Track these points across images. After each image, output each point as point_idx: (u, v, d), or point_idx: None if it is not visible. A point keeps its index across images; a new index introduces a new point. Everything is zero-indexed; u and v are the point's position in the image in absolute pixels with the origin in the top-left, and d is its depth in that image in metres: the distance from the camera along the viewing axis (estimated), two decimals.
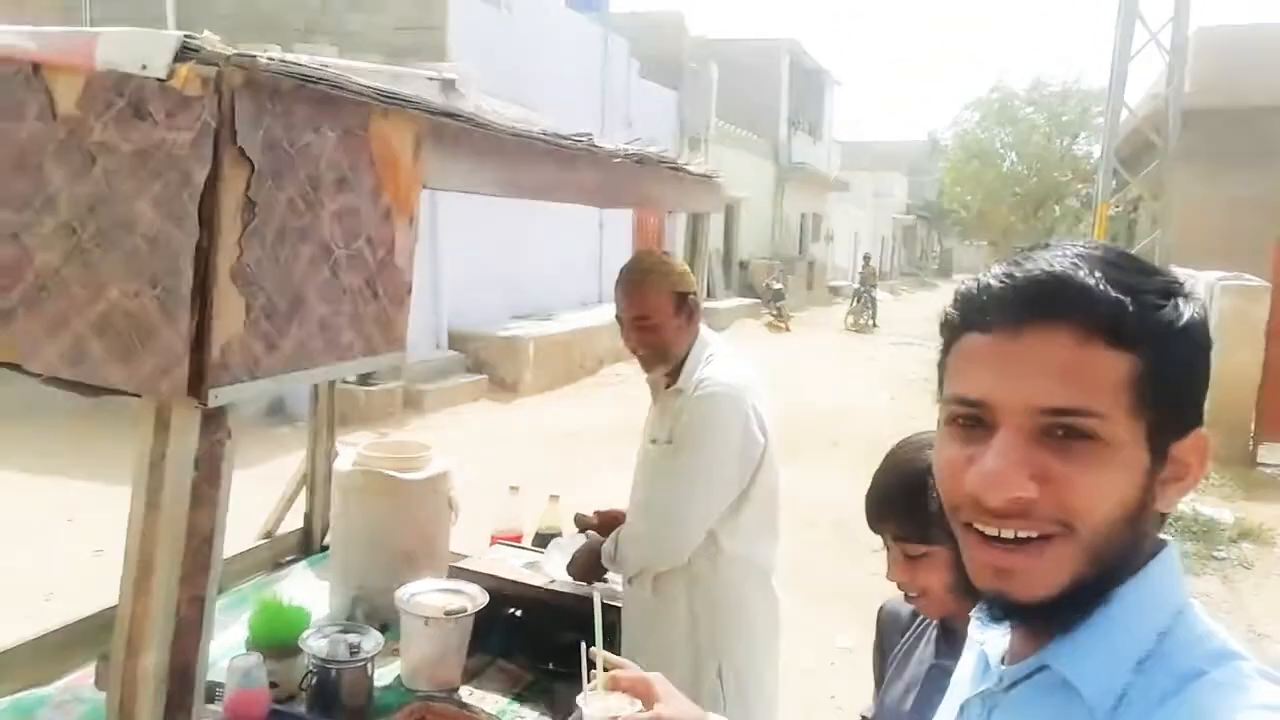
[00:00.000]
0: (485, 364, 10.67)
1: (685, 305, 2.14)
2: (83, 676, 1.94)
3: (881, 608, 1.60)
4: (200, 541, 0.85)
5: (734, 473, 2.10)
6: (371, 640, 2.00)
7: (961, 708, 0.84)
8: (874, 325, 20.67)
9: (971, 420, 0.71)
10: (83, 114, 0.81)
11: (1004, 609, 0.73)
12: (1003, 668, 0.79)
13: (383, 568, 2.31)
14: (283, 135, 0.85)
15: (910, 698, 1.40)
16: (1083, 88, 24.41)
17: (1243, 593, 5.33)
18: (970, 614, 0.91)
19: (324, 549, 2.70)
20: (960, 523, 0.73)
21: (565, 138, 1.41)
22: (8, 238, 0.83)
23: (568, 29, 14.08)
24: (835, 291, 27.80)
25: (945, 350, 0.76)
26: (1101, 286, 0.67)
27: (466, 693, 2.02)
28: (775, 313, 19.35)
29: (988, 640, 0.83)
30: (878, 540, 1.36)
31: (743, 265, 22.48)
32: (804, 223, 27.82)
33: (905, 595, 1.35)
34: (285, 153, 0.85)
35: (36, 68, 0.81)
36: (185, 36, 0.79)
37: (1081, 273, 0.67)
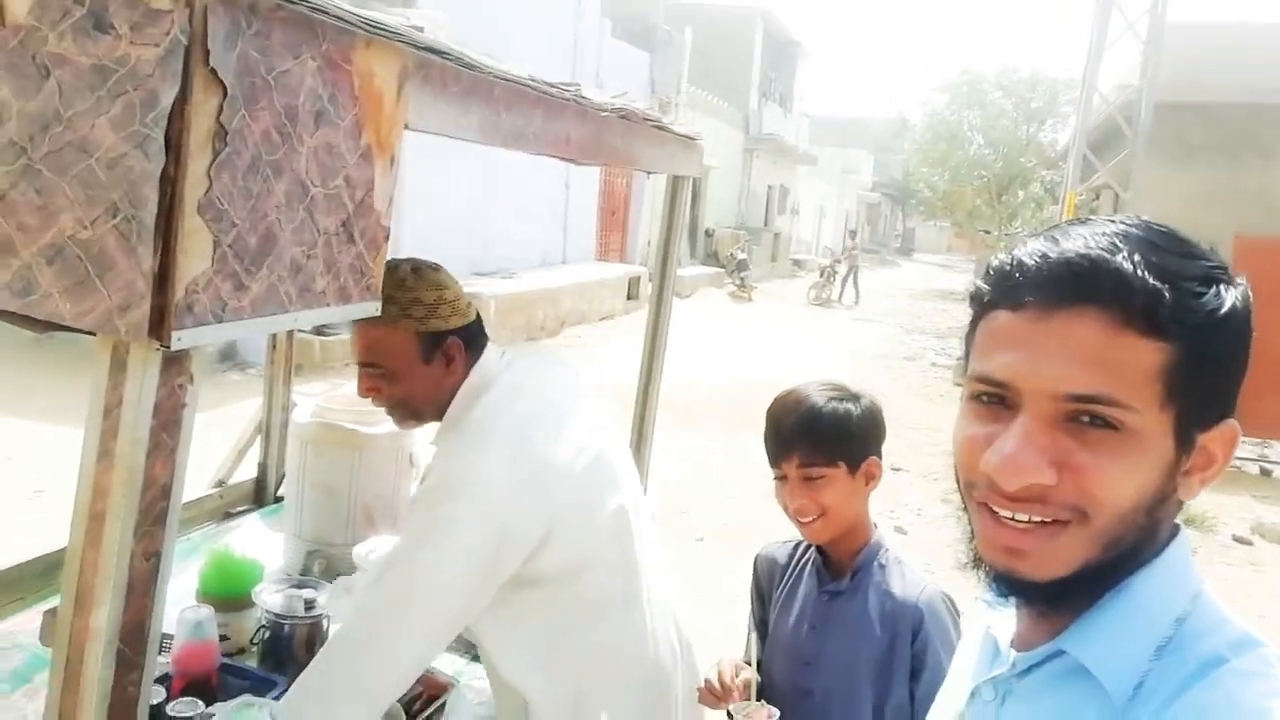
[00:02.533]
0: None
1: (440, 348, 1.58)
2: (21, 622, 1.87)
3: (757, 555, 1.75)
4: (157, 493, 0.80)
5: (462, 593, 1.46)
6: (327, 595, 1.96)
7: (973, 693, 0.81)
8: (857, 302, 20.75)
9: (995, 399, 0.69)
10: (36, 21, 0.74)
11: (1012, 587, 0.71)
12: (1015, 653, 0.77)
13: (340, 523, 2.27)
14: (259, 59, 0.78)
15: (805, 625, 1.57)
16: (1051, 75, 24.58)
17: None
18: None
19: (278, 500, 2.64)
20: (974, 500, 0.72)
21: (552, 85, 1.35)
22: None
23: None
24: (799, 264, 27.89)
25: (973, 324, 0.73)
26: (1140, 272, 0.64)
27: None
28: (739, 283, 19.38)
29: (994, 623, 0.81)
30: None
31: (708, 234, 22.43)
32: (771, 195, 27.79)
33: (800, 519, 1.53)
34: (262, 78, 0.79)
35: None
36: None
37: (1120, 256, 0.65)
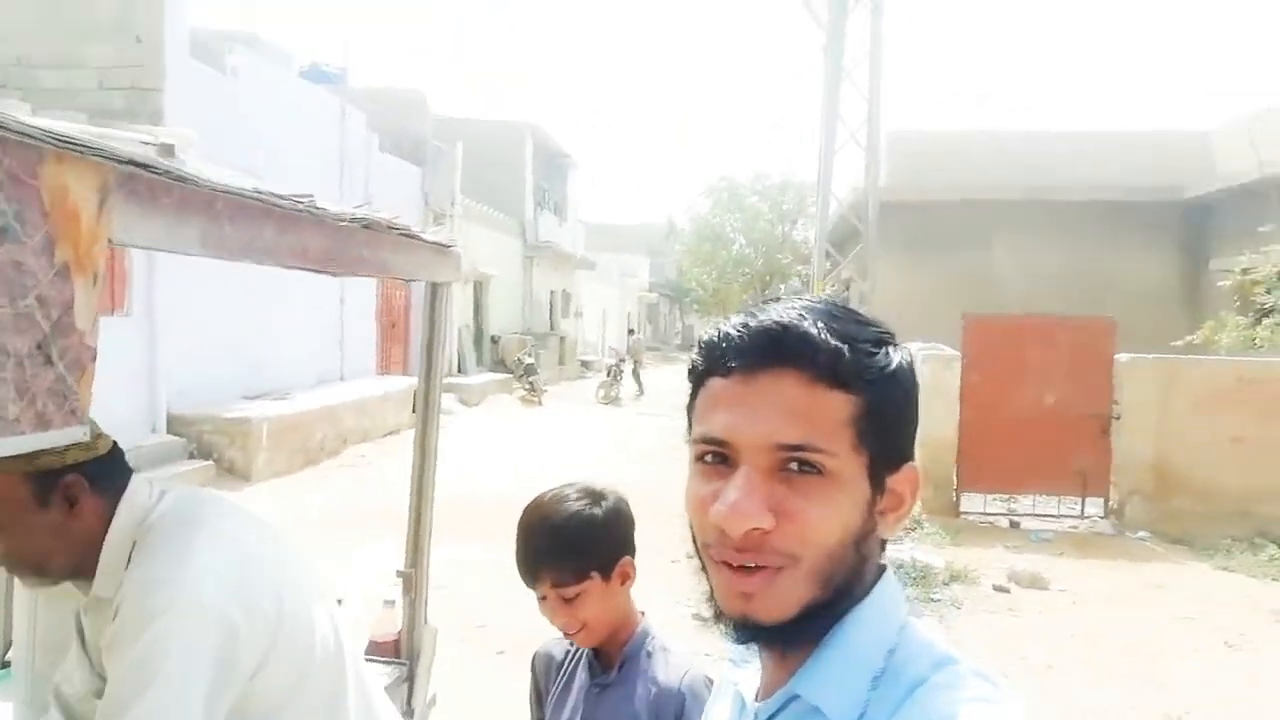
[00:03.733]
0: (212, 448, 9.82)
1: (57, 489, 1.38)
2: None
3: (535, 654, 1.79)
4: None
5: (194, 706, 1.32)
6: None
7: None
8: (641, 394, 21.22)
9: (717, 457, 0.76)
10: None
11: (749, 633, 0.77)
12: (757, 704, 0.82)
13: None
14: None
15: (576, 719, 1.60)
16: (800, 180, 26.94)
17: (958, 629, 5.89)
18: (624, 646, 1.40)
19: (4, 665, 2.32)
20: (711, 559, 0.77)
21: (283, 197, 1.34)
22: None
23: (302, 99, 13.66)
24: (586, 365, 28.38)
25: (693, 395, 0.81)
26: (824, 335, 0.74)
27: None
28: (529, 387, 19.43)
29: (741, 681, 0.87)
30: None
31: (494, 340, 22.45)
32: (553, 299, 28.34)
33: (566, 633, 1.58)
34: None
35: None
36: None
37: (806, 323, 0.74)
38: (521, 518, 1.59)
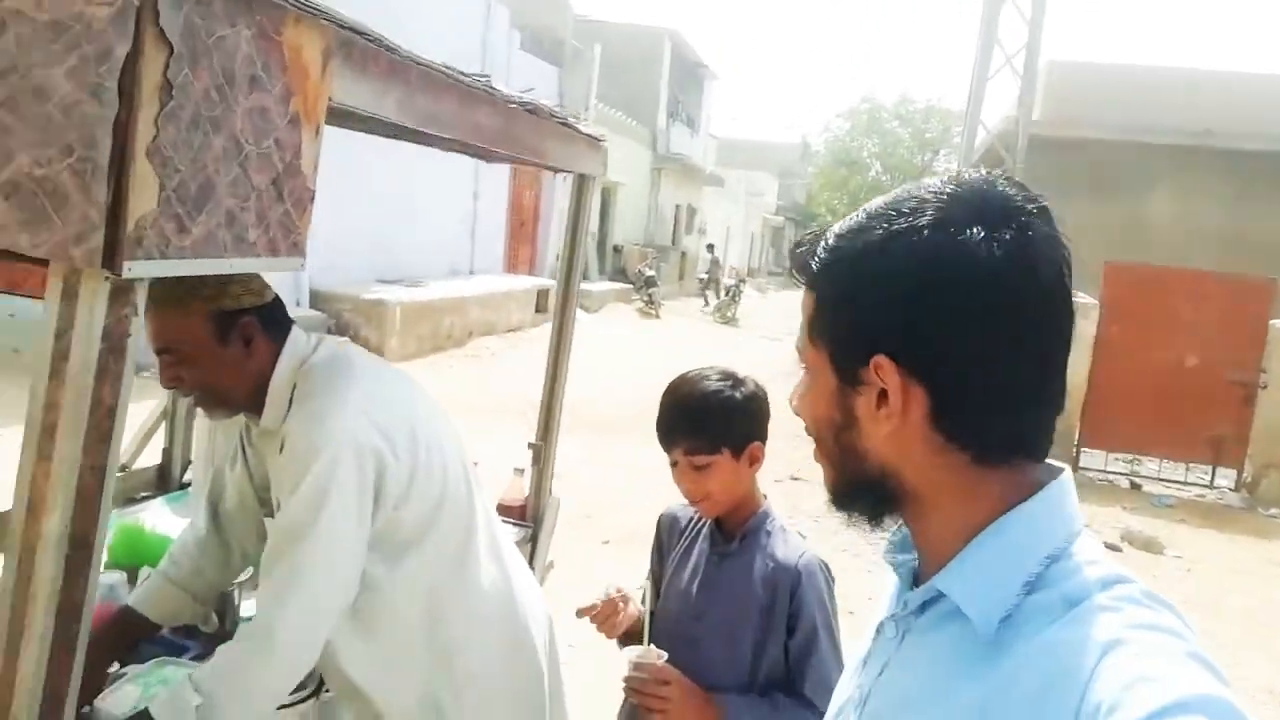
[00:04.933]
0: (348, 326, 10.41)
1: (235, 328, 1.58)
2: None
3: (661, 514, 1.90)
4: (104, 413, 0.88)
5: (356, 527, 1.56)
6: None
7: (878, 629, 0.86)
8: (734, 317, 21.28)
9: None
10: None
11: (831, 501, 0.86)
12: (909, 593, 0.82)
13: None
14: (201, 24, 0.88)
15: (695, 582, 1.71)
16: (945, 107, 25.80)
17: None
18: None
19: (184, 487, 2.64)
20: None
21: (465, 74, 1.46)
22: None
23: None
24: (704, 283, 28.35)
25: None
26: (809, 242, 0.85)
27: None
28: (647, 299, 19.61)
29: (899, 564, 0.86)
30: None
31: (617, 250, 22.64)
32: (678, 214, 28.23)
33: (691, 501, 1.68)
34: (203, 41, 0.88)
35: None
36: None
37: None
38: (665, 390, 1.70)
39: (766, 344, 17.38)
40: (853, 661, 0.90)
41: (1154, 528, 7.00)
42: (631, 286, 20.49)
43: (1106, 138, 13.17)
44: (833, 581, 1.68)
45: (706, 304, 21.51)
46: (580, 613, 1.74)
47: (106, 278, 0.84)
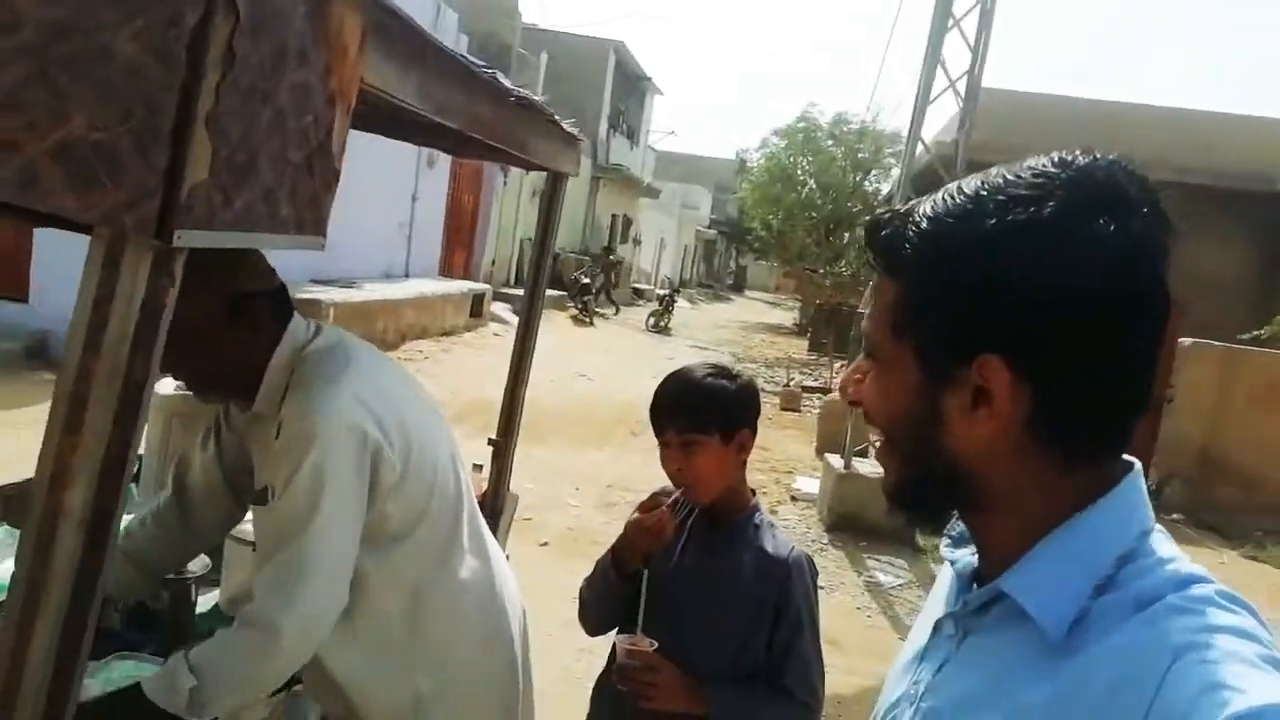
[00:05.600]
0: None
1: (246, 311, 1.56)
2: None
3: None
4: (135, 387, 0.86)
5: (354, 514, 1.55)
6: (198, 561, 1.95)
7: (936, 626, 0.84)
8: (667, 326, 21.28)
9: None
10: None
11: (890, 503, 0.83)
12: (970, 593, 0.79)
13: None
14: None
15: (684, 572, 1.74)
16: (879, 129, 26.35)
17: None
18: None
19: (134, 479, 2.55)
20: None
21: (475, 62, 1.46)
22: None
23: None
24: (639, 293, 28.45)
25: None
26: (888, 227, 0.80)
27: None
28: (581, 306, 19.60)
29: (958, 560, 0.84)
30: None
31: (555, 257, 22.53)
32: (615, 224, 28.29)
33: (678, 483, 1.71)
34: (264, 13, 0.87)
35: None
36: None
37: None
38: (663, 379, 1.77)
39: (698, 353, 17.53)
40: (904, 655, 0.88)
41: None
42: (566, 294, 20.45)
43: None
44: (817, 577, 1.73)
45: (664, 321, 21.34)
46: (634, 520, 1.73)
47: (152, 246, 0.82)
